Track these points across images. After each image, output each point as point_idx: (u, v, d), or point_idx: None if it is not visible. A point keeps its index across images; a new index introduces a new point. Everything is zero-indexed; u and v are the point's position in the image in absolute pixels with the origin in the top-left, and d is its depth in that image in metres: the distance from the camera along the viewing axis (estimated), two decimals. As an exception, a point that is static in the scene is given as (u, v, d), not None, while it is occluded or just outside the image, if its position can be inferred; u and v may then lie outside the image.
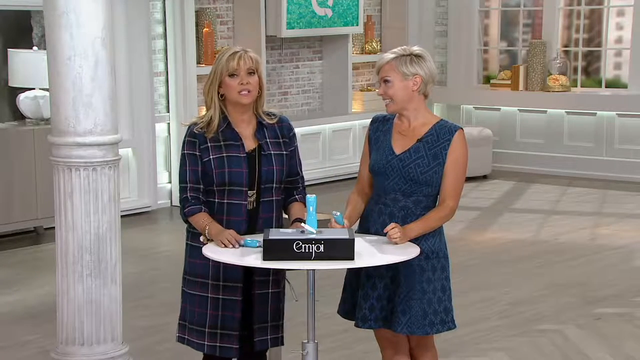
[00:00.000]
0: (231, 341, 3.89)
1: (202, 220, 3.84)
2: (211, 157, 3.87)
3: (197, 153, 3.89)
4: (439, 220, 3.85)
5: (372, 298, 3.88)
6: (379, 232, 3.86)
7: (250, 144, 3.92)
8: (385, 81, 3.85)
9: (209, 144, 3.88)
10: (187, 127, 3.95)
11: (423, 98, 3.90)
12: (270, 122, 3.96)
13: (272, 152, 3.92)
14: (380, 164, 3.88)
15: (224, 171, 3.86)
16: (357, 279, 3.94)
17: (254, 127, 3.94)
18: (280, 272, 3.99)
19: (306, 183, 4.16)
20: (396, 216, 3.86)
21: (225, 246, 3.70)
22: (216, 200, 3.89)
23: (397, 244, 3.73)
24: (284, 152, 3.96)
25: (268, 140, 3.93)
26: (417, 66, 3.83)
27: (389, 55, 3.87)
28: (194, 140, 3.90)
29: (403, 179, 3.85)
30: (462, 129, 3.89)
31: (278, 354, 4.24)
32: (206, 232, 3.81)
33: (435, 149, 3.84)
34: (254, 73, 3.88)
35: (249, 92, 3.86)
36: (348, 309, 4.02)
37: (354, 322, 3.97)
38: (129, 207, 8.68)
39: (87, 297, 4.57)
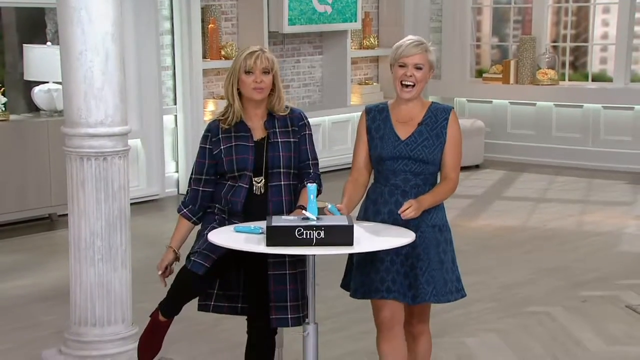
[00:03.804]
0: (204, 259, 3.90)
1: (179, 227, 4.11)
2: (222, 147, 4.00)
3: (208, 146, 4.03)
4: (447, 193, 3.89)
5: (393, 272, 3.86)
6: (393, 211, 3.86)
7: (259, 133, 4.01)
8: (418, 68, 3.86)
9: (220, 136, 4.01)
10: (207, 123, 4.13)
11: None
12: (282, 114, 4.00)
13: (279, 140, 3.98)
14: (388, 150, 3.89)
15: (232, 159, 3.97)
16: (368, 256, 3.91)
17: (265, 119, 4.03)
18: (297, 255, 3.97)
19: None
20: (409, 193, 3.88)
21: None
22: (227, 182, 4.01)
23: (413, 217, 3.75)
24: (292, 140, 4.01)
25: (277, 130, 4.01)
26: (435, 59, 3.93)
27: (424, 45, 3.88)
28: (207, 134, 4.06)
29: (412, 160, 3.88)
30: (453, 108, 3.97)
31: (280, 334, 4.24)
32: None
33: (436, 130, 3.89)
34: (268, 73, 3.96)
35: (262, 89, 3.94)
36: (348, 282, 4.00)
37: (351, 295, 3.96)
38: (138, 195, 8.69)
39: (98, 281, 4.57)
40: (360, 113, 10.64)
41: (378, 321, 3.95)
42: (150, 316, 4.10)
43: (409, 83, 3.87)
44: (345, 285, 4.07)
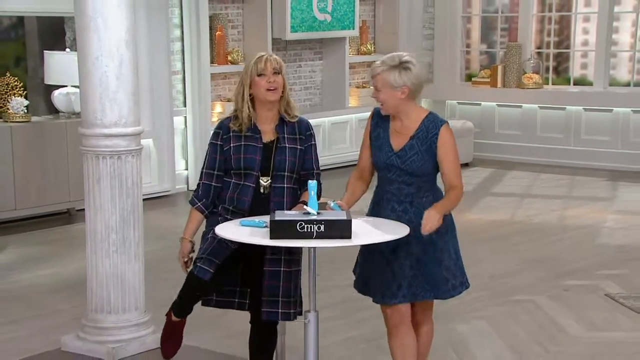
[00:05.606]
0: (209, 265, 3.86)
1: (192, 219, 4.02)
2: (231, 145, 3.94)
3: (219, 142, 3.97)
4: (458, 198, 3.81)
5: (400, 277, 3.78)
6: (390, 217, 3.81)
7: (268, 136, 3.95)
8: (377, 89, 3.77)
9: (231, 134, 3.95)
10: (218, 121, 4.06)
11: (412, 101, 3.79)
12: (291, 120, 3.96)
13: (287, 145, 3.93)
14: (382, 160, 3.83)
15: (240, 157, 3.92)
16: (371, 256, 3.85)
17: (276, 123, 3.96)
18: (294, 254, 3.94)
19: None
20: (403, 202, 3.82)
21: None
22: (232, 180, 3.95)
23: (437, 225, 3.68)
24: (299, 147, 3.96)
25: (286, 135, 3.95)
26: (405, 77, 3.70)
27: (380, 67, 3.73)
28: (218, 131, 3.99)
29: (403, 172, 3.80)
30: (447, 122, 3.83)
31: (283, 322, 4.22)
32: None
33: (426, 144, 3.77)
34: (278, 73, 3.92)
35: (275, 89, 3.89)
36: (361, 285, 3.95)
37: (356, 290, 3.93)
38: (150, 191, 8.67)
39: (113, 272, 4.57)
40: (358, 115, 10.69)
41: (389, 318, 3.87)
42: (166, 315, 4.11)
43: (378, 102, 3.80)
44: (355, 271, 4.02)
